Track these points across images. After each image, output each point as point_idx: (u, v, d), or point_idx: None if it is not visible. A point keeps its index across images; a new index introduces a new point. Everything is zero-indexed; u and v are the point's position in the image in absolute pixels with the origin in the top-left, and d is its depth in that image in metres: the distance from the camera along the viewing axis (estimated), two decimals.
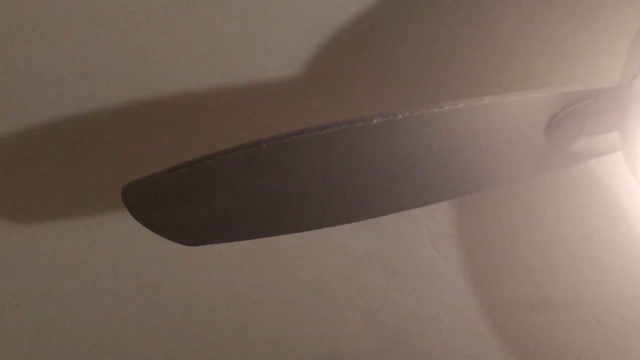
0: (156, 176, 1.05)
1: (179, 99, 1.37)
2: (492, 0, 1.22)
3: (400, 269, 1.71)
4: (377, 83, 1.34)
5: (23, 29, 1.24)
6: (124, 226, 1.59)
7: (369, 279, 1.73)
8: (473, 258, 1.68)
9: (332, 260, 1.68)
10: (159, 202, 1.11)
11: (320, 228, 1.17)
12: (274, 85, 1.34)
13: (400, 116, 0.97)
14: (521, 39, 1.25)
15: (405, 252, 1.67)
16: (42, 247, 1.66)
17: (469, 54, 1.27)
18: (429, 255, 1.67)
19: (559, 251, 1.65)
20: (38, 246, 1.66)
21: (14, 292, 1.78)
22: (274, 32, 1.26)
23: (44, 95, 1.36)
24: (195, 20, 1.24)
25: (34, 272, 1.73)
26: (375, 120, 0.96)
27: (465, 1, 1.22)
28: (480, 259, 1.69)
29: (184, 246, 1.22)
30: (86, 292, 1.78)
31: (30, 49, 1.29)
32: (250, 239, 1.20)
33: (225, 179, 1.04)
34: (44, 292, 1.78)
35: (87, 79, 1.33)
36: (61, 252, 1.68)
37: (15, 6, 1.20)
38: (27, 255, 1.68)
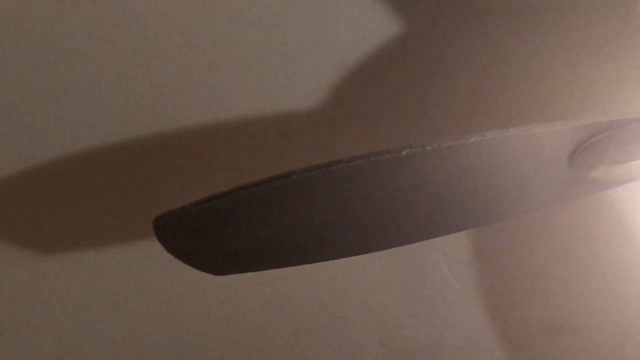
0: (187, 208, 1.05)
1: (203, 132, 1.37)
2: (515, 34, 1.22)
3: (417, 295, 1.71)
4: (396, 116, 1.35)
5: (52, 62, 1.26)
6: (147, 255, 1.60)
7: (388, 305, 1.73)
8: (489, 284, 1.69)
9: (353, 288, 1.68)
10: (190, 233, 1.11)
11: (345, 257, 1.18)
12: (294, 119, 1.34)
13: (428, 147, 0.96)
14: (545, 70, 1.26)
15: (422, 279, 1.67)
16: (66, 276, 1.67)
17: (491, 86, 1.28)
18: (445, 282, 1.67)
19: (576, 277, 1.65)
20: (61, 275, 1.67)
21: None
22: (295, 68, 1.27)
23: (68, 126, 1.37)
24: (226, 58, 1.25)
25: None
26: (404, 152, 0.96)
27: (486, 38, 1.22)
28: (496, 284, 1.69)
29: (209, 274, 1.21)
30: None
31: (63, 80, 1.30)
32: (276, 268, 1.20)
33: (256, 210, 1.04)
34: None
35: (111, 111, 1.34)
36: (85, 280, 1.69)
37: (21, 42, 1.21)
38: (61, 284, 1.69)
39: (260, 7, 1.18)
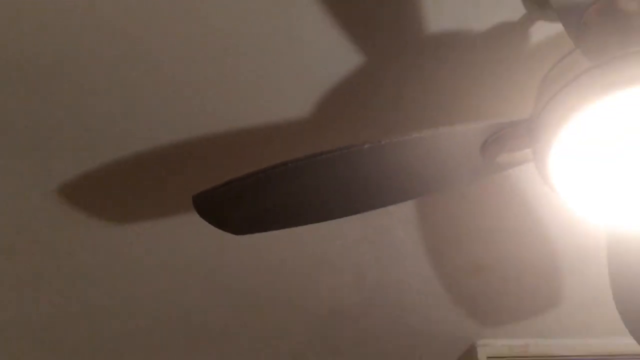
0: (217, 187, 1.06)
1: (213, 138, 1.35)
2: (446, 63, 1.22)
3: (379, 247, 1.69)
4: (362, 125, 1.34)
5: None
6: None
7: (359, 254, 1.71)
8: (430, 237, 1.67)
9: (334, 242, 1.67)
10: (222, 206, 1.10)
11: (329, 219, 1.17)
12: (284, 126, 1.33)
13: (382, 142, 0.99)
14: (465, 87, 1.26)
15: (382, 235, 1.65)
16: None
17: (431, 100, 1.29)
18: (399, 237, 1.66)
19: (491, 230, 1.63)
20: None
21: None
22: (284, 82, 1.25)
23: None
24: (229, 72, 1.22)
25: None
26: (365, 146, 0.99)
27: (428, 66, 1.22)
28: (435, 237, 1.67)
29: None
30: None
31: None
32: (285, 228, 1.18)
33: (265, 188, 1.05)
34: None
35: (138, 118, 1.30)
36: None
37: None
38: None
39: (255, 38, 1.16)
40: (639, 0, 0.80)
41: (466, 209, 1.56)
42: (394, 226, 1.62)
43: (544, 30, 1.12)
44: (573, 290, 1.81)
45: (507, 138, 0.97)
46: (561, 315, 1.91)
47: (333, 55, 1.19)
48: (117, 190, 1.45)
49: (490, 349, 1.99)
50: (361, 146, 0.97)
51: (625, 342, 1.28)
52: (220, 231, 1.16)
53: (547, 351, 1.98)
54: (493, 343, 2.01)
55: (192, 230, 1.55)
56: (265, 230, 1.19)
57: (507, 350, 1.98)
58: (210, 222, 1.12)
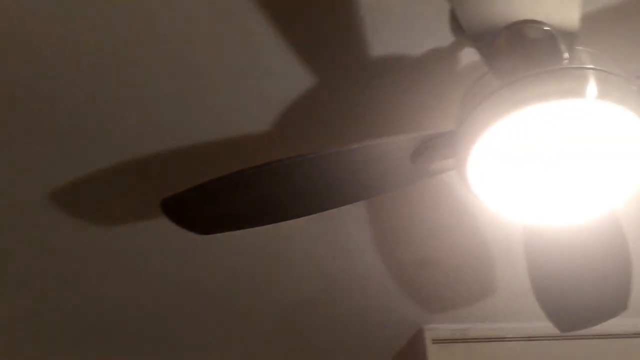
0: (183, 192, 1.07)
1: (180, 151, 1.37)
2: (382, 88, 1.24)
3: (334, 242, 1.70)
4: (318, 136, 1.36)
5: None
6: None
7: (320, 246, 1.72)
8: (380, 233, 1.68)
9: (301, 237, 1.69)
10: (189, 208, 1.11)
11: (288, 220, 1.18)
12: (244, 140, 1.35)
13: (326, 152, 1.02)
14: (398, 106, 1.29)
15: (339, 231, 1.67)
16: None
17: (370, 117, 1.32)
18: (352, 233, 1.67)
19: (433, 228, 1.66)
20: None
21: None
22: (244, 100, 1.27)
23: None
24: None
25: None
26: (310, 155, 1.02)
27: (370, 88, 1.24)
28: (385, 233, 1.69)
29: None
30: None
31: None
32: (247, 228, 1.19)
33: (230, 191, 1.08)
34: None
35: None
36: None
37: None
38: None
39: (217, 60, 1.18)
40: (542, 28, 0.83)
41: (411, 209, 1.60)
42: (348, 225, 1.65)
43: (470, 54, 1.15)
44: (506, 280, 1.87)
45: (435, 148, 1.03)
46: (496, 302, 1.98)
47: (287, 75, 1.22)
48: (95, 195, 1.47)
49: (435, 333, 2.07)
50: (307, 155, 1.01)
51: (549, 325, 1.33)
52: (190, 232, 1.19)
53: (485, 334, 2.06)
54: (438, 327, 2.08)
55: (163, 233, 1.56)
56: (229, 230, 1.21)
57: (450, 333, 2.07)
58: (177, 224, 1.16)
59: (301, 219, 1.18)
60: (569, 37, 0.85)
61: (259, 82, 1.23)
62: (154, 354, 2.14)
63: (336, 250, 1.73)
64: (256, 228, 1.19)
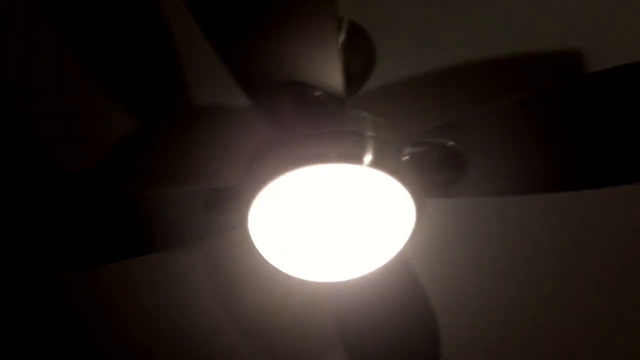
0: None
1: None
2: None
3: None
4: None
5: None
6: None
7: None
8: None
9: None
10: None
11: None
12: None
13: (113, 196, 0.99)
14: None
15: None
16: None
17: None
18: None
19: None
20: None
21: None
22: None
23: None
24: None
25: None
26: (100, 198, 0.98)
27: None
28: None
29: None
30: None
31: None
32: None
33: None
34: None
35: None
36: None
37: None
38: None
39: None
40: (311, 92, 0.84)
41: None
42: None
43: None
44: None
45: (225, 201, 1.02)
46: None
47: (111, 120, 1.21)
48: None
49: None
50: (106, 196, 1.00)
51: None
52: None
53: None
54: None
55: None
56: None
57: None
58: None
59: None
60: (338, 101, 0.87)
61: (83, 126, 1.22)
62: None
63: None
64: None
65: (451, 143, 0.93)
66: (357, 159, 0.88)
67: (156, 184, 1.32)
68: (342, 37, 1.15)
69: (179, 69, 1.15)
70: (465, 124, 0.92)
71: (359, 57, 1.16)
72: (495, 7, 1.10)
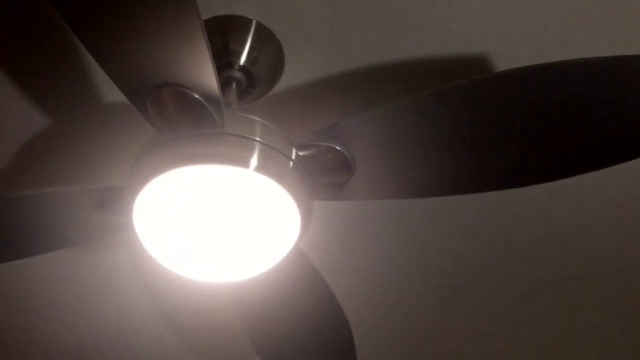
0: None
1: None
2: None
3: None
4: (51, 177, 1.34)
5: None
6: None
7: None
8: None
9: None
10: None
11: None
12: None
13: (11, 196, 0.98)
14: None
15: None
16: None
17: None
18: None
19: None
20: None
21: None
22: None
23: None
24: None
25: None
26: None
27: None
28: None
29: None
30: None
31: None
32: None
33: None
34: None
35: None
36: None
37: None
38: None
39: None
40: (185, 92, 0.84)
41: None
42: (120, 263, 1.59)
43: None
44: None
45: (115, 201, 1.01)
46: None
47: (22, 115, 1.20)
48: None
49: None
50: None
51: None
52: None
53: None
54: None
55: None
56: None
57: None
58: None
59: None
60: (216, 103, 0.87)
61: None
62: None
63: (108, 295, 1.67)
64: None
65: (337, 146, 0.94)
66: (239, 161, 0.89)
67: (50, 183, 1.31)
68: (249, 39, 1.16)
69: (80, 68, 1.15)
70: (350, 127, 0.92)
71: (267, 58, 1.17)
72: (401, 10, 1.11)
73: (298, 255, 1.09)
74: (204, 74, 0.83)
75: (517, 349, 1.84)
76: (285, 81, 1.22)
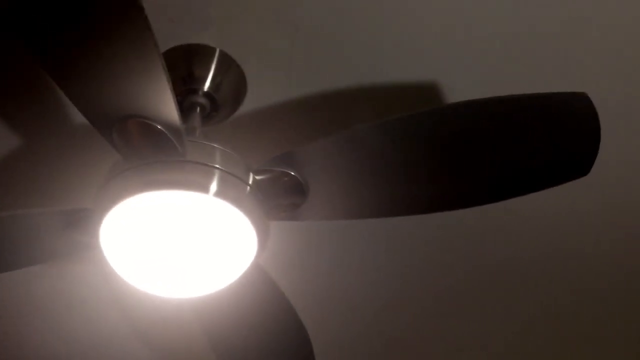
0: None
1: None
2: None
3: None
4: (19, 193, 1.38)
5: None
6: None
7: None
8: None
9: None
10: None
11: None
12: None
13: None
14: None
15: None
16: None
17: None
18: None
19: None
20: None
21: None
22: None
23: None
24: None
25: None
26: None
27: None
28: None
29: None
30: None
31: None
32: None
33: None
34: None
35: None
36: None
37: None
38: None
39: None
40: (147, 123, 0.91)
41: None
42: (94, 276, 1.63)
43: None
44: None
45: (83, 222, 1.06)
46: None
47: None
48: None
49: None
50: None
51: None
52: None
53: None
54: None
55: None
56: None
57: None
58: None
59: None
60: (177, 132, 0.94)
61: None
62: None
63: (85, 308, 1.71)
64: None
65: (292, 172, 1.02)
66: (199, 187, 0.95)
67: (18, 203, 1.36)
68: (212, 67, 1.23)
69: (49, 90, 1.19)
70: (303, 154, 1.00)
71: (229, 85, 1.24)
72: (359, 38, 1.17)
73: (258, 271, 1.16)
74: (166, 107, 0.89)
75: None
76: (248, 105, 1.29)
